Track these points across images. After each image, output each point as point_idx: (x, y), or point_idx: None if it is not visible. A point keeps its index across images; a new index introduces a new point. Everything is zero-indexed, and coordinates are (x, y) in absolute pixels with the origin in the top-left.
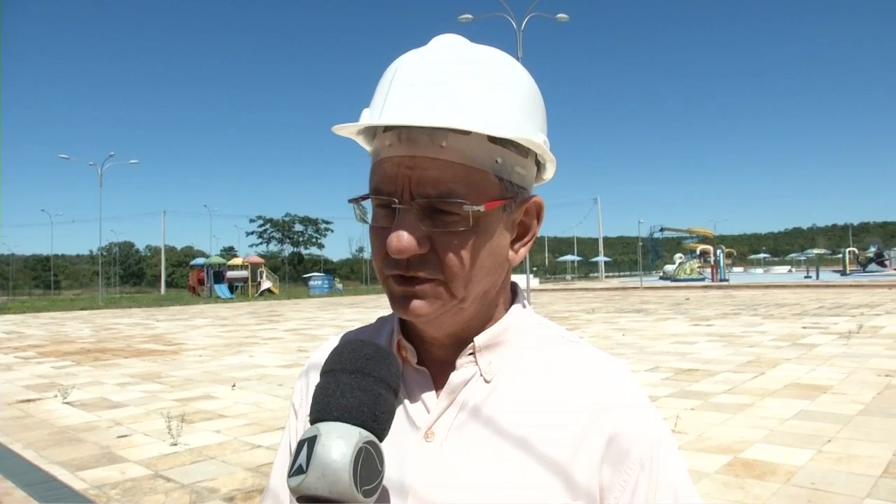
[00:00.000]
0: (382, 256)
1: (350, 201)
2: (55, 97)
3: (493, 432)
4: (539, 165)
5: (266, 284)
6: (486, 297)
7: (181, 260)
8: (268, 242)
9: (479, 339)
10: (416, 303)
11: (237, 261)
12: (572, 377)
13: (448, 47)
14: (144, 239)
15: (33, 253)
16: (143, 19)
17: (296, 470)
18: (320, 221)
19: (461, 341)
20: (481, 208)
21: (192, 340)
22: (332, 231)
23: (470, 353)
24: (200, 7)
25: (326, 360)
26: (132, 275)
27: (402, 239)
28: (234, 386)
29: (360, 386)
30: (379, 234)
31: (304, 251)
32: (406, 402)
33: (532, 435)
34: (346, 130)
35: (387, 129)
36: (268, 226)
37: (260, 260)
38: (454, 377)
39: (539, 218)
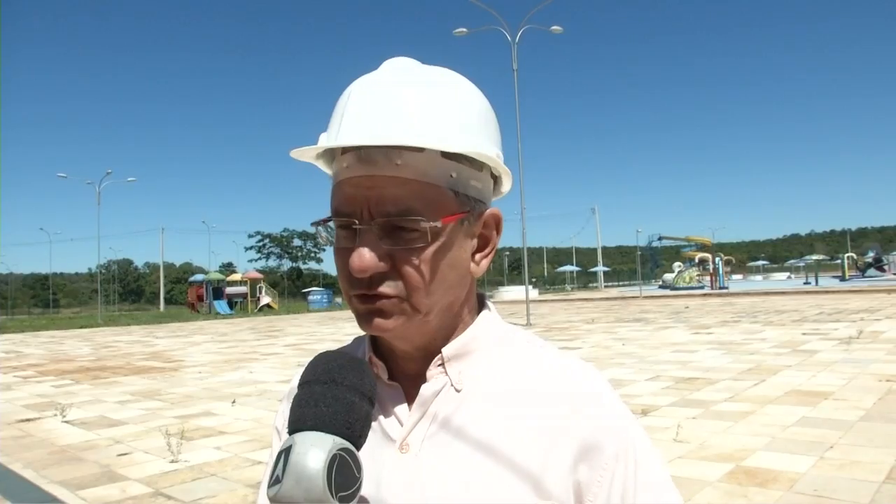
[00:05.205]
0: (347, 276)
1: (313, 224)
2: (52, 116)
3: (466, 441)
4: (496, 179)
5: (265, 300)
6: (451, 310)
7: (180, 276)
8: (266, 258)
9: (447, 350)
10: (378, 319)
11: (236, 276)
12: (541, 382)
13: (399, 69)
14: (143, 256)
15: (32, 272)
16: (140, 38)
17: (273, 480)
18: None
19: (430, 354)
20: (438, 224)
21: (192, 357)
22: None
23: (439, 364)
24: (196, 24)
25: (302, 374)
26: (131, 292)
27: (364, 258)
28: (234, 402)
29: (333, 395)
30: (342, 254)
31: (302, 266)
32: (380, 416)
33: (504, 441)
34: (304, 155)
35: (345, 151)
36: (266, 241)
37: (259, 275)
38: (425, 389)
39: (498, 230)
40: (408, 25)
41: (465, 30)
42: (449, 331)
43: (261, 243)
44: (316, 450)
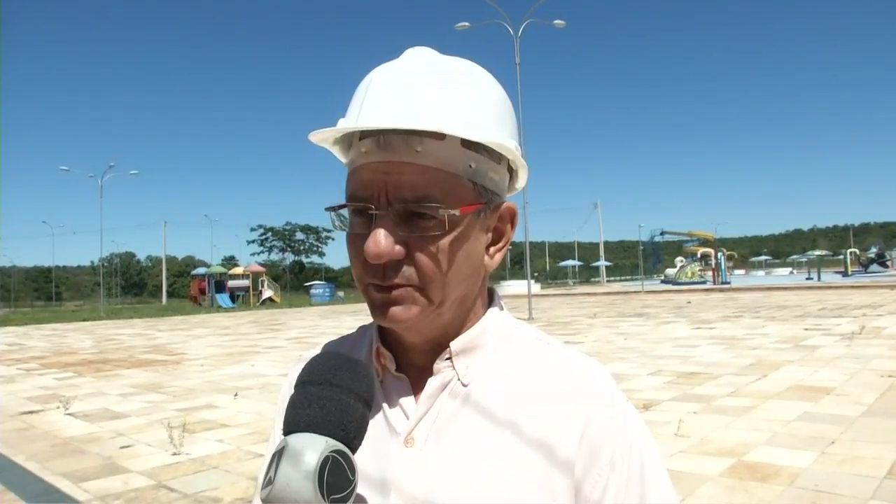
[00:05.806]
0: (361, 264)
1: (328, 209)
2: (55, 109)
3: (472, 436)
4: (511, 173)
5: (267, 293)
6: (464, 303)
7: (182, 270)
8: (269, 251)
9: (454, 344)
10: (394, 309)
11: (238, 270)
12: (547, 378)
13: (421, 58)
14: (145, 249)
15: (35, 265)
16: (143, 30)
17: (266, 482)
18: (321, 230)
19: (439, 347)
20: (457, 212)
21: (194, 350)
22: (333, 239)
23: (447, 358)
24: (199, 17)
25: (300, 374)
26: (133, 285)
27: (380, 244)
28: (236, 395)
29: (327, 396)
30: (357, 241)
31: (305, 260)
32: (386, 408)
33: (509, 437)
34: (323, 139)
35: (363, 136)
36: (269, 234)
37: (261, 269)
38: (432, 382)
39: (513, 224)
40: (410, 20)
41: (467, 24)
42: (459, 324)
43: (263, 237)
44: (307, 452)
